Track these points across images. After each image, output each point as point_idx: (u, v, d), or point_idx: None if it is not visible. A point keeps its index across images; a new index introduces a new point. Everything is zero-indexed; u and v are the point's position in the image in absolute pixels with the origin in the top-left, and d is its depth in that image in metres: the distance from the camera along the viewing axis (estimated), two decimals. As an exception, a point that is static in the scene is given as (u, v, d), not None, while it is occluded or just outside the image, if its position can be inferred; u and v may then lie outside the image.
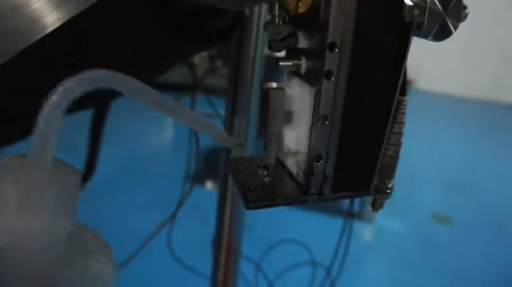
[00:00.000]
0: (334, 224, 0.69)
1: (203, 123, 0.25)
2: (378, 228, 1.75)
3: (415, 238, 1.74)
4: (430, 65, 3.31)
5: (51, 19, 0.21)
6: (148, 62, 0.42)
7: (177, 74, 3.00)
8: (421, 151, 2.58)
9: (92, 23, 0.25)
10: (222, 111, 0.71)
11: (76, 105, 0.20)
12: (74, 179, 0.22)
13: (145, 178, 1.99)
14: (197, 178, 1.79)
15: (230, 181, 0.73)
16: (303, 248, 0.94)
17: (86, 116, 0.71)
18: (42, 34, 0.21)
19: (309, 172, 0.27)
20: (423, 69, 3.30)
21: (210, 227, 0.74)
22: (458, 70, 3.67)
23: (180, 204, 0.96)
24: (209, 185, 1.97)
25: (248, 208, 0.27)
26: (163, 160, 2.28)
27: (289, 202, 0.28)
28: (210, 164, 1.89)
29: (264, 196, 0.28)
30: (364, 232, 1.67)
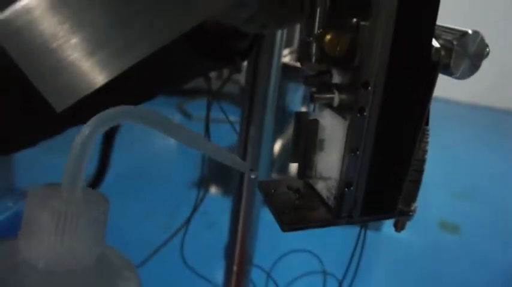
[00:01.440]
0: (345, 233, 0.70)
1: (218, 151, 0.28)
2: (385, 237, 1.76)
3: (423, 247, 1.75)
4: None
5: (102, 76, 0.24)
6: (173, 75, 0.44)
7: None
8: (429, 157, 2.59)
9: None
10: (231, 117, 0.73)
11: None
12: (103, 206, 0.24)
13: (151, 184, 2.01)
14: (203, 183, 1.81)
15: (244, 190, 0.75)
16: (314, 258, 0.95)
17: None
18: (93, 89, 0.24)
19: (340, 197, 0.30)
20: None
21: (217, 234, 0.76)
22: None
23: (194, 210, 0.98)
24: (213, 190, 1.99)
25: (284, 230, 0.29)
26: (170, 164, 2.30)
27: (321, 224, 0.30)
28: (217, 169, 1.91)
29: (298, 218, 0.30)
30: (371, 240, 1.69)
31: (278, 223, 0.30)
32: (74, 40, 0.24)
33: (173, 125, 0.23)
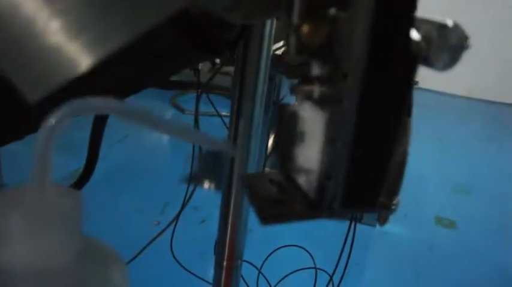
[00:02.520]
0: (336, 228, 0.70)
1: (193, 133, 0.27)
2: (381, 232, 1.77)
3: (419, 242, 1.76)
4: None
5: (79, 66, 0.24)
6: (160, 66, 0.44)
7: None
8: (426, 152, 2.60)
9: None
10: (224, 110, 0.73)
11: None
12: (74, 200, 0.24)
13: (142, 179, 2.00)
14: (194, 178, 1.81)
15: (234, 185, 0.75)
16: (305, 253, 0.96)
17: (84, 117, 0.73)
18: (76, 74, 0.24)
19: (320, 189, 0.29)
20: (430, 70, 3.30)
21: (209, 229, 0.76)
22: (464, 71, 3.70)
23: (183, 206, 0.97)
24: (206, 185, 1.98)
25: (263, 224, 0.29)
26: (162, 157, 2.29)
27: (301, 217, 0.30)
28: (209, 162, 1.91)
29: (278, 212, 0.30)
30: (367, 236, 1.69)
31: (258, 216, 0.30)
32: (50, 29, 0.24)
33: (144, 113, 0.22)
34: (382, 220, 0.34)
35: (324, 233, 1.45)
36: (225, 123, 0.75)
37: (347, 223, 0.75)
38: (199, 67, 0.83)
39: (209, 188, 1.91)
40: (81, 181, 0.81)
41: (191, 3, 0.32)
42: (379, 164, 0.30)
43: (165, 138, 2.60)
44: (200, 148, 0.92)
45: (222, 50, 0.42)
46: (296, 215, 0.30)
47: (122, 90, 0.43)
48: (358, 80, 0.26)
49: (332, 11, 0.26)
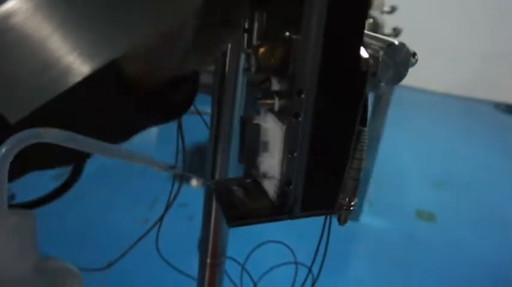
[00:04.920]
0: (317, 224, 0.73)
1: (136, 156, 0.29)
2: (363, 226, 1.80)
3: (400, 235, 1.80)
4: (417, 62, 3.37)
5: (73, 75, 0.26)
6: (111, 132, 0.37)
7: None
8: (406, 148, 2.64)
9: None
10: (204, 108, 0.74)
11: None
12: (29, 221, 0.26)
13: (130, 176, 2.01)
14: (178, 176, 1.82)
15: (213, 186, 0.77)
16: (286, 249, 0.98)
17: None
18: (63, 89, 0.26)
19: (281, 194, 0.32)
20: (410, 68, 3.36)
21: (197, 226, 0.78)
22: (444, 68, 3.75)
23: (168, 206, 0.99)
24: (194, 183, 1.99)
25: (230, 226, 0.32)
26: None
27: (265, 220, 0.32)
28: (195, 161, 1.92)
29: (243, 215, 0.32)
30: (349, 229, 1.72)
31: (225, 218, 0.32)
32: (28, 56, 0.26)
33: (84, 140, 0.25)
34: (342, 220, 0.37)
35: (309, 228, 1.47)
36: (206, 124, 0.77)
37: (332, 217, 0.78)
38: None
39: (198, 184, 1.93)
40: (71, 179, 0.82)
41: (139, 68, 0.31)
42: (335, 171, 0.33)
43: (154, 135, 2.61)
44: (183, 145, 0.94)
45: (172, 112, 0.38)
46: (260, 218, 0.32)
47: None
48: (311, 96, 0.29)
49: (287, 33, 0.28)
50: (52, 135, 0.23)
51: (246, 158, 0.33)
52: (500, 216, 2.05)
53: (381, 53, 0.30)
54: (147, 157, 0.28)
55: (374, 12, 1.83)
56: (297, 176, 0.31)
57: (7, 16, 0.25)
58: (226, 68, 0.68)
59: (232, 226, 0.32)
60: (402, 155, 2.50)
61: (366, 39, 0.31)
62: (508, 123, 3.49)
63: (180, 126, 0.86)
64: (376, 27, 1.75)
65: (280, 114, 0.31)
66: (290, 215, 0.33)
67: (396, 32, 1.73)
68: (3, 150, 0.22)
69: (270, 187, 0.34)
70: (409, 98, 3.50)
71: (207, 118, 0.78)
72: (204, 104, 0.81)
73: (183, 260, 0.98)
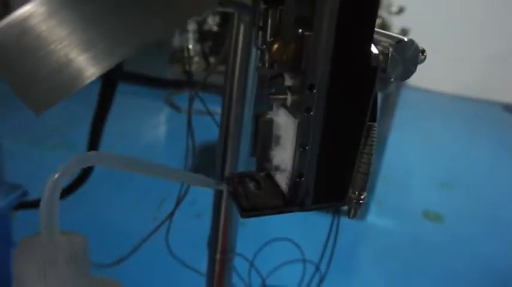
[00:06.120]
0: (326, 222, 0.74)
1: (182, 174, 0.30)
2: (370, 225, 1.81)
3: (406, 236, 1.80)
4: (424, 62, 3.37)
5: (88, 74, 0.27)
6: None
7: (170, 71, 3.02)
8: (414, 148, 2.65)
9: None
10: (217, 108, 0.75)
11: None
12: (80, 243, 0.27)
13: (138, 175, 2.03)
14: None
15: (226, 179, 0.78)
16: (295, 246, 0.99)
17: (86, 113, 0.76)
18: (79, 87, 0.27)
19: (293, 186, 0.33)
20: (418, 67, 3.34)
21: (205, 224, 0.79)
22: (451, 69, 3.75)
23: (178, 203, 1.00)
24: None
25: (242, 217, 0.33)
26: (158, 155, 2.32)
27: (276, 211, 0.33)
28: (204, 160, 1.94)
29: (256, 206, 0.33)
30: (355, 229, 1.73)
31: (238, 210, 0.33)
32: (51, 51, 0.27)
33: (136, 162, 0.26)
34: (352, 213, 0.38)
35: (317, 225, 1.48)
36: (216, 123, 0.78)
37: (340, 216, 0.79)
38: (191, 68, 0.85)
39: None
40: (82, 177, 0.84)
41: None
42: (345, 165, 0.34)
43: (162, 134, 2.64)
44: (194, 144, 0.95)
45: None
46: (272, 209, 0.34)
47: None
48: (323, 91, 0.30)
49: (300, 30, 0.29)
50: (109, 159, 0.24)
51: (258, 152, 0.34)
52: (507, 217, 2.04)
53: (391, 49, 0.31)
54: (196, 175, 0.30)
55: (382, 12, 1.84)
56: (308, 169, 0.32)
57: (23, 20, 0.26)
58: (237, 67, 0.69)
59: (245, 217, 0.33)
60: (409, 156, 2.50)
61: (375, 36, 0.32)
62: (516, 124, 3.48)
63: (189, 125, 0.87)
64: (384, 27, 1.76)
65: (293, 109, 0.32)
66: (301, 206, 0.34)
67: (404, 33, 1.74)
68: (56, 176, 0.23)
69: (282, 179, 0.35)
70: (415, 98, 3.49)
71: (218, 118, 0.79)
72: (214, 104, 0.82)
73: (193, 257, 1.00)
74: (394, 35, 0.32)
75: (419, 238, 1.80)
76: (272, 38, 0.30)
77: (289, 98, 0.32)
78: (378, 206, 1.87)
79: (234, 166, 0.73)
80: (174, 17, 0.30)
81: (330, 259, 0.78)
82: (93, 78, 0.27)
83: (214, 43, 2.08)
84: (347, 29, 0.29)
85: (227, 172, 0.78)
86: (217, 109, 0.79)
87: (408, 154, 2.51)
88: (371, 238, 1.77)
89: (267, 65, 0.31)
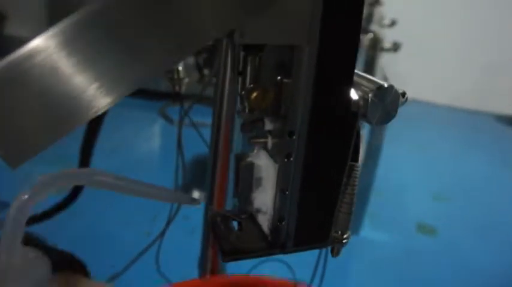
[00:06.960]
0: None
1: (156, 191, 0.30)
2: (363, 240, 1.80)
3: (400, 249, 1.79)
4: (417, 75, 3.40)
5: (101, 104, 0.27)
6: None
7: (165, 84, 3.02)
8: (406, 160, 2.65)
9: None
10: (207, 120, 0.75)
11: None
12: (43, 264, 0.27)
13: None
14: (184, 188, 1.83)
15: (215, 199, 0.78)
16: (285, 266, 0.99)
17: (83, 127, 0.75)
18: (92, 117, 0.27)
19: (274, 230, 0.33)
20: (412, 79, 3.39)
21: (198, 239, 0.78)
22: (444, 80, 3.77)
23: (170, 220, 0.99)
24: (196, 195, 2.00)
25: (224, 261, 0.32)
26: (150, 170, 2.31)
27: (257, 255, 0.33)
28: (196, 175, 1.92)
29: (237, 248, 0.33)
30: (349, 243, 1.72)
31: (220, 253, 0.33)
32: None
33: (106, 179, 0.26)
34: (335, 252, 0.38)
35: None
36: (204, 140, 0.77)
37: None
38: (181, 89, 0.85)
39: (199, 196, 1.94)
40: (74, 193, 0.83)
41: None
42: (327, 208, 0.33)
43: (156, 149, 2.62)
44: (183, 160, 0.94)
45: None
46: (254, 253, 0.33)
47: None
48: (303, 138, 0.30)
49: (278, 77, 0.29)
50: (82, 176, 0.24)
51: (240, 194, 0.34)
52: (502, 229, 2.04)
53: (370, 95, 0.31)
54: (167, 189, 0.29)
55: (374, 26, 1.84)
56: (289, 213, 0.32)
57: (33, 54, 0.27)
58: (226, 92, 0.69)
59: (227, 261, 0.32)
60: (402, 168, 2.50)
61: (356, 79, 0.32)
62: (509, 135, 3.49)
63: (179, 142, 0.86)
64: (376, 41, 1.76)
65: (273, 152, 0.32)
66: (283, 249, 0.33)
67: (395, 47, 1.75)
68: (24, 198, 0.23)
69: (264, 221, 0.35)
70: (408, 110, 3.50)
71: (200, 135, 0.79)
72: (208, 117, 0.81)
73: (185, 273, 0.99)
74: (375, 79, 0.32)
75: (413, 251, 1.80)
76: (252, 85, 0.30)
77: (269, 141, 0.32)
78: (371, 219, 1.86)
79: (223, 186, 0.73)
80: (184, 45, 0.29)
81: (322, 277, 0.78)
82: (101, 111, 0.27)
83: (209, 55, 2.08)
84: (326, 77, 0.29)
85: (216, 189, 0.78)
86: (208, 121, 0.78)
87: (401, 166, 2.50)
88: (364, 252, 1.76)
89: (246, 111, 0.31)
